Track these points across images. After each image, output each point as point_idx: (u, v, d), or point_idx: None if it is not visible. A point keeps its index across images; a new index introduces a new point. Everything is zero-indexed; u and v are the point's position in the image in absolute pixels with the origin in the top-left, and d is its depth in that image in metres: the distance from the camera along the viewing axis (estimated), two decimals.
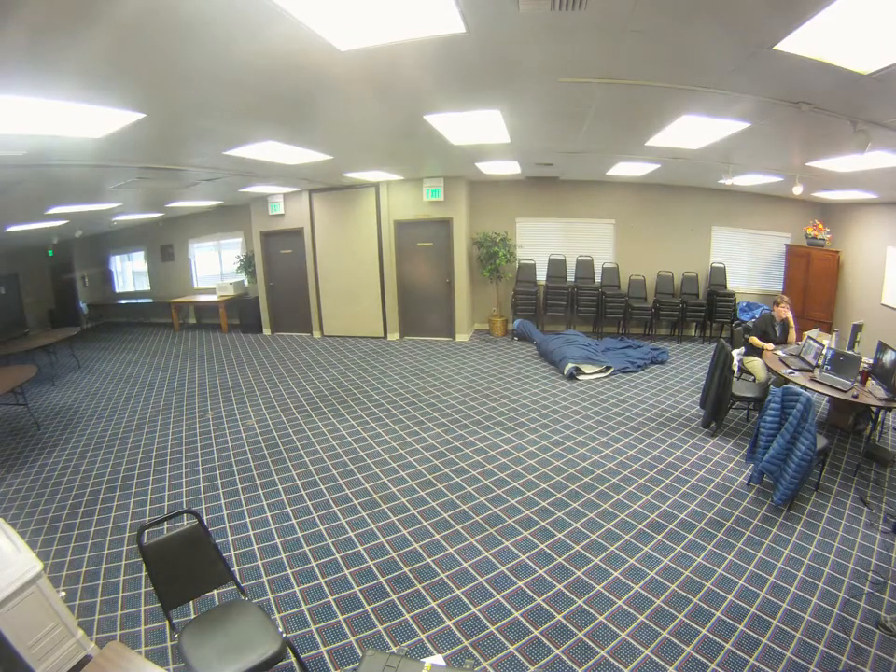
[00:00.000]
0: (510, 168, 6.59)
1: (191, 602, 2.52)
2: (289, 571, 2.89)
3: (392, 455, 4.29)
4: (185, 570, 2.09)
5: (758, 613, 2.47)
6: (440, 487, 3.76)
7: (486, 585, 2.73)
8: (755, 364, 4.84)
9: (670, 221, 7.94)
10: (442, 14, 1.82)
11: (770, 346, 4.79)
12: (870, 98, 2.49)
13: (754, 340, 4.90)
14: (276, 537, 3.22)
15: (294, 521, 3.39)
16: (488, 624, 2.46)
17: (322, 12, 1.75)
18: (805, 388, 3.73)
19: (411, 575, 2.83)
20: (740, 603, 2.55)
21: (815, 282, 7.03)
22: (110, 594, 2.77)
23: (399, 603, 2.62)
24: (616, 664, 2.22)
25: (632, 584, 2.71)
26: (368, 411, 5.29)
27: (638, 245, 8.09)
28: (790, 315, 5.03)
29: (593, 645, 2.32)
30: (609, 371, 6.25)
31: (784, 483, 3.19)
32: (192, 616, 2.48)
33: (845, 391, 3.75)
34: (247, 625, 1.97)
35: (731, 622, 2.43)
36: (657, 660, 2.22)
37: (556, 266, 8.21)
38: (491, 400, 5.46)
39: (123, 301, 11.11)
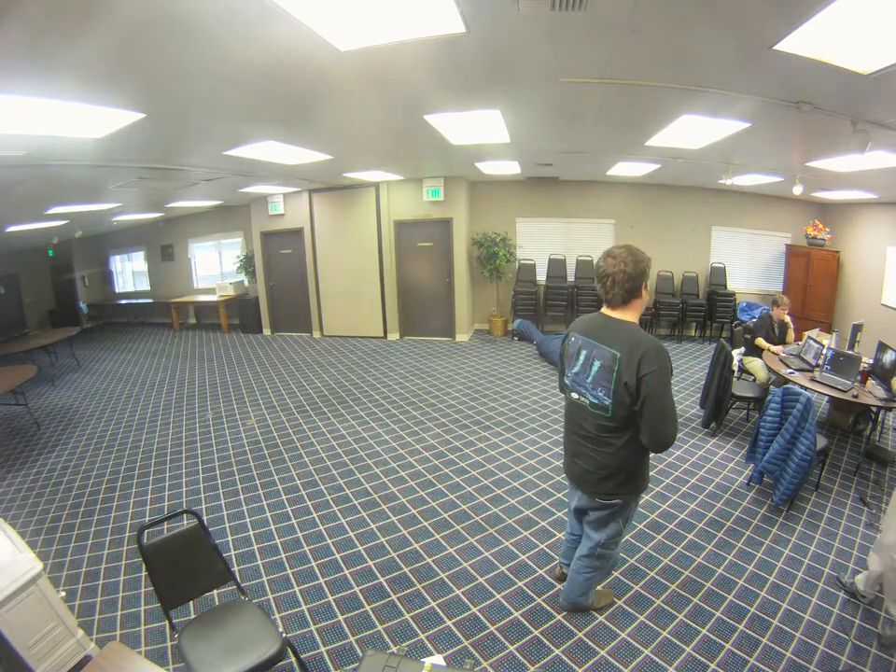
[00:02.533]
0: (510, 168, 6.59)
1: (191, 602, 2.52)
2: (289, 571, 2.89)
3: (392, 454, 4.29)
4: (185, 570, 2.09)
5: (758, 613, 2.47)
6: (440, 487, 3.76)
7: (486, 585, 2.73)
8: (755, 364, 4.83)
9: (670, 221, 7.94)
10: (442, 14, 1.82)
11: (777, 348, 4.74)
12: (870, 98, 2.50)
13: (760, 342, 4.87)
14: (276, 537, 3.22)
15: (294, 521, 3.39)
16: (488, 624, 2.46)
17: (322, 12, 1.75)
18: (805, 388, 3.72)
19: (411, 575, 2.83)
20: (740, 603, 2.55)
21: (815, 282, 7.03)
22: (110, 594, 2.77)
23: (398, 603, 2.62)
24: (616, 664, 2.22)
25: (632, 584, 2.71)
26: (368, 411, 5.29)
27: (638, 245, 7.99)
28: (786, 318, 5.00)
29: (593, 645, 2.32)
30: None
31: (784, 483, 3.19)
32: (192, 616, 2.48)
33: (845, 391, 3.75)
34: (247, 625, 1.97)
35: (731, 621, 2.43)
36: (657, 660, 2.22)
37: (556, 266, 8.21)
38: (491, 400, 5.46)
39: (123, 301, 11.11)
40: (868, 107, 2.66)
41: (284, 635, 1.92)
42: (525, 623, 2.47)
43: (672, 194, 7.75)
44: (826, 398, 4.56)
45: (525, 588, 2.70)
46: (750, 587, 2.66)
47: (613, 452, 1.96)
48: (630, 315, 1.94)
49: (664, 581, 2.72)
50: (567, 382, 2.13)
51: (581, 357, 2.00)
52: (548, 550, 3.01)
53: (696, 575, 2.77)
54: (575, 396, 2.05)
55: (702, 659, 2.22)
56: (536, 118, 3.65)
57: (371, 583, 2.77)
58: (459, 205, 7.67)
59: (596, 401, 1.94)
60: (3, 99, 2.23)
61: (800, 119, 3.00)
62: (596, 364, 1.92)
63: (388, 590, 2.72)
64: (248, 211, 8.83)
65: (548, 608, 2.55)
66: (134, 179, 4.86)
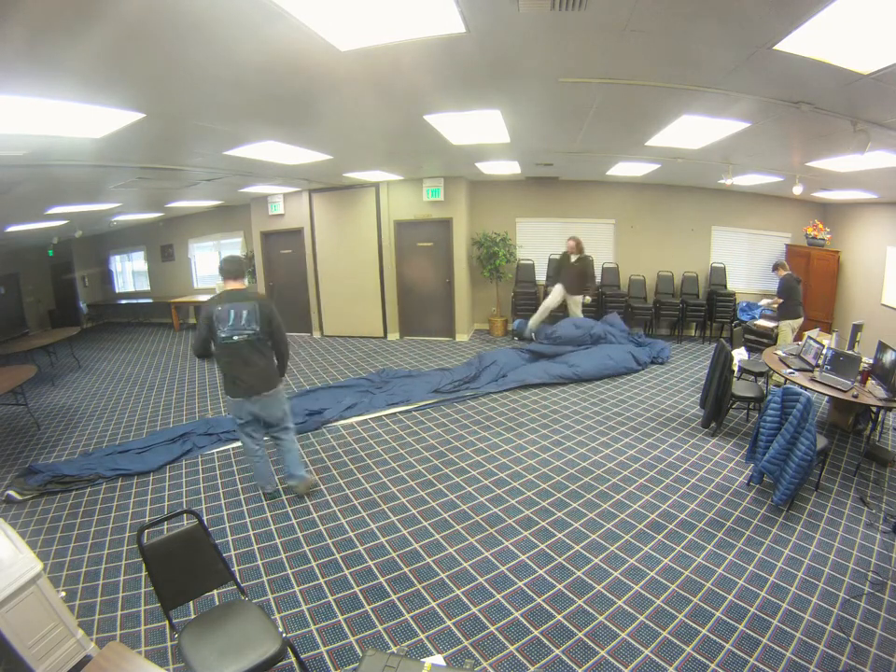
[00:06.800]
0: (510, 168, 6.59)
1: (191, 602, 2.52)
2: (289, 571, 2.89)
3: (392, 454, 4.29)
4: (185, 570, 2.09)
5: (758, 613, 2.47)
6: (440, 487, 3.76)
7: (486, 585, 2.73)
8: (786, 329, 5.49)
9: (670, 221, 7.94)
10: (442, 14, 1.82)
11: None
12: (870, 98, 2.50)
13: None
14: (276, 537, 3.22)
15: (294, 521, 3.39)
16: (488, 624, 2.46)
17: (322, 12, 1.76)
18: (805, 388, 3.73)
19: (411, 575, 2.83)
20: (740, 603, 2.55)
21: (815, 282, 7.02)
22: (110, 594, 2.77)
23: (398, 603, 2.62)
24: (616, 664, 2.22)
25: (632, 584, 2.71)
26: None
27: (638, 245, 8.08)
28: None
29: (593, 645, 2.32)
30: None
31: (784, 483, 3.19)
32: (192, 616, 2.48)
33: (845, 391, 3.75)
34: (247, 625, 1.97)
35: (731, 622, 2.43)
36: (657, 660, 2.22)
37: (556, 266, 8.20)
38: (491, 400, 5.46)
39: (123, 301, 11.10)
40: (868, 107, 2.66)
41: (284, 635, 1.92)
42: (525, 622, 2.47)
43: (672, 194, 7.75)
44: (826, 398, 4.57)
45: (524, 588, 2.70)
46: (750, 587, 2.66)
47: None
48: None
49: (664, 581, 2.72)
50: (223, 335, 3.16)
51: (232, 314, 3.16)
52: (548, 550, 3.01)
53: (696, 575, 2.77)
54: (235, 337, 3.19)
55: (702, 659, 2.22)
56: (536, 118, 3.65)
57: (371, 583, 2.77)
58: (459, 205, 7.67)
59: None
60: (3, 99, 2.23)
61: (800, 119, 3.00)
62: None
63: (388, 590, 2.72)
64: (248, 211, 8.82)
65: (548, 608, 2.55)
66: (134, 179, 4.86)
